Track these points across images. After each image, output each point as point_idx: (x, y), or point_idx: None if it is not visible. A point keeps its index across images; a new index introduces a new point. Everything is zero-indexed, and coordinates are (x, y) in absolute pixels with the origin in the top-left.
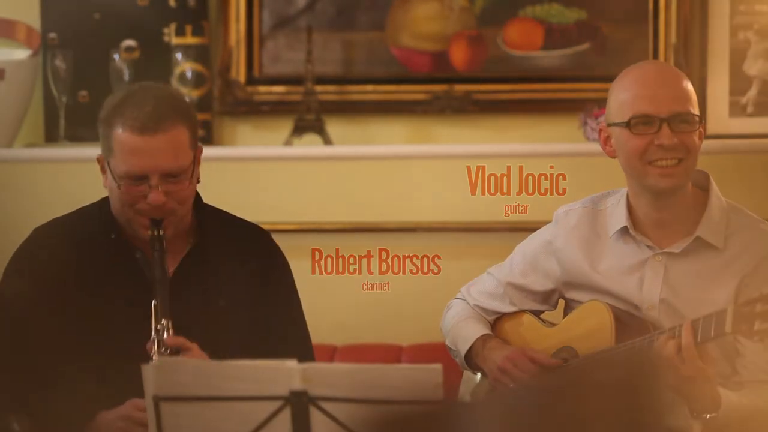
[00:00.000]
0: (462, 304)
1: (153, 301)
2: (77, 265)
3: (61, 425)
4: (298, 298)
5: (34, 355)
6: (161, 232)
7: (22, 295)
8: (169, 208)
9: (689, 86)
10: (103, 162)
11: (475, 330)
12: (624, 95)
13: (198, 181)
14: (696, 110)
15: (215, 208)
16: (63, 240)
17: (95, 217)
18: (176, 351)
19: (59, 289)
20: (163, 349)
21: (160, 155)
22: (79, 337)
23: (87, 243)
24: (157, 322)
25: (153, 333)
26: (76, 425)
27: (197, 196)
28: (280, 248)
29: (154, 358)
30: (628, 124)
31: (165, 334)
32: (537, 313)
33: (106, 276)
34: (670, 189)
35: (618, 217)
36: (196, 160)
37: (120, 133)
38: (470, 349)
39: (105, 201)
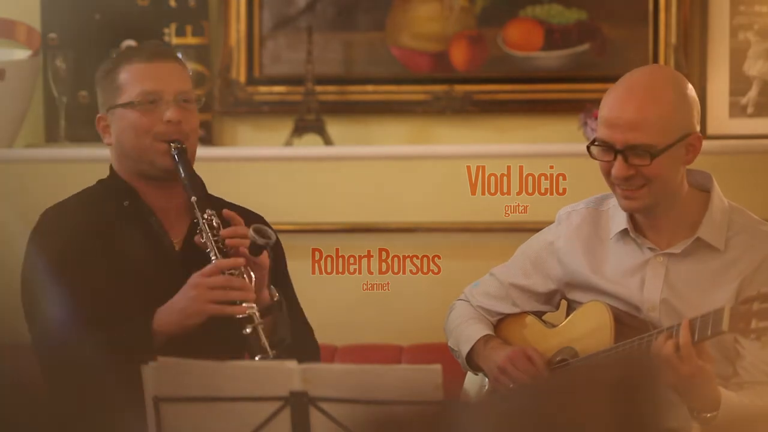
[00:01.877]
0: (465, 305)
1: (192, 198)
2: (94, 235)
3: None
4: (287, 272)
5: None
6: (184, 146)
7: (45, 273)
8: (185, 131)
9: (664, 108)
10: (104, 119)
11: (477, 331)
12: (600, 111)
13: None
14: (662, 139)
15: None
16: (77, 214)
17: (103, 189)
18: (228, 223)
19: (79, 261)
20: (214, 232)
21: (173, 77)
22: (98, 306)
23: (101, 213)
24: (202, 212)
25: (201, 224)
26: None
27: None
28: (272, 228)
29: (211, 245)
30: (594, 143)
31: (214, 221)
32: (539, 314)
33: (121, 242)
34: (636, 210)
35: (619, 219)
36: (198, 106)
37: (129, 68)
38: (472, 349)
39: (105, 178)
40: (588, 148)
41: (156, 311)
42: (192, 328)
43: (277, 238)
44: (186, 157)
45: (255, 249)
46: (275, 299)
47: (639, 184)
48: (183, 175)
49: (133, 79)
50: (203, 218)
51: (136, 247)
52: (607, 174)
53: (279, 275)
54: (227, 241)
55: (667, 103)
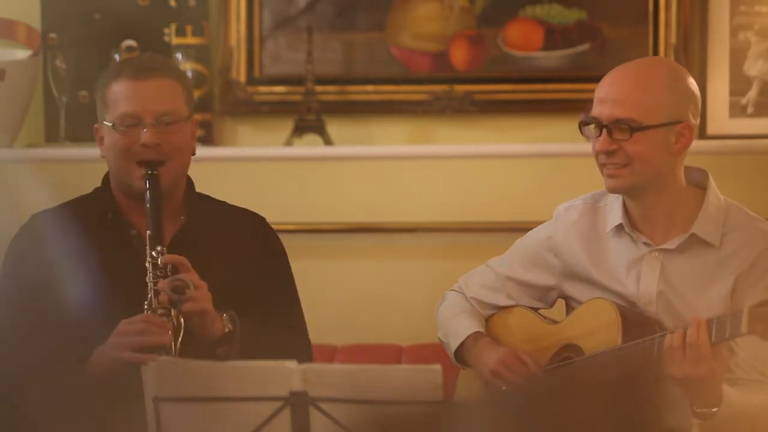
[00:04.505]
0: (457, 296)
1: (147, 232)
2: (75, 245)
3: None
4: (292, 276)
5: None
6: (156, 172)
7: (20, 279)
8: (164, 152)
9: (653, 89)
10: (99, 129)
11: (468, 326)
12: (595, 92)
13: (193, 153)
14: (645, 117)
15: (206, 195)
16: (61, 222)
17: (92, 198)
18: (174, 270)
19: (56, 270)
20: (158, 272)
21: (153, 98)
22: (76, 315)
23: (84, 223)
24: (152, 249)
25: (148, 259)
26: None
27: (190, 182)
28: (274, 230)
29: (149, 284)
30: (586, 123)
31: (160, 259)
32: (534, 310)
33: (102, 254)
34: (619, 190)
35: (614, 214)
36: (191, 123)
37: (114, 83)
38: (461, 344)
39: (100, 186)
40: (580, 126)
41: (94, 350)
42: (121, 372)
43: (276, 236)
44: (156, 185)
45: (172, 303)
46: (227, 330)
47: (621, 163)
48: (147, 204)
49: (116, 99)
50: (150, 256)
51: (115, 259)
52: (595, 154)
53: (277, 284)
54: (160, 297)
55: (657, 86)
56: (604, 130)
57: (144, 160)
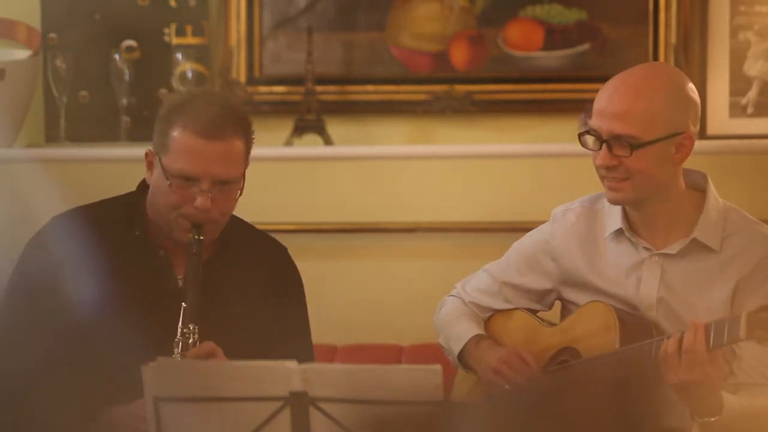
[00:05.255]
0: (456, 301)
1: (183, 304)
2: (98, 256)
3: (64, 418)
4: (306, 311)
5: (46, 342)
6: (201, 237)
7: (37, 283)
8: (213, 217)
9: (653, 103)
10: (152, 157)
11: (468, 329)
12: (594, 102)
13: (240, 194)
14: (646, 132)
15: (236, 217)
16: (84, 229)
17: (120, 209)
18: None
19: (75, 281)
20: (185, 351)
21: (217, 161)
22: (91, 329)
23: (108, 234)
24: (185, 326)
25: (179, 335)
26: (81, 419)
27: None
28: (295, 264)
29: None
30: (586, 132)
31: (191, 339)
32: (532, 312)
33: (125, 270)
34: (620, 203)
35: (614, 219)
36: (244, 175)
37: (180, 132)
38: (463, 348)
39: (133, 195)
40: (579, 136)
41: (114, 409)
42: None
43: (296, 269)
44: (199, 252)
45: None
46: None
47: (622, 177)
48: (188, 271)
49: (177, 150)
50: (182, 331)
51: (141, 279)
52: (597, 167)
53: (293, 303)
54: None
55: (657, 99)
56: (604, 145)
57: (193, 220)
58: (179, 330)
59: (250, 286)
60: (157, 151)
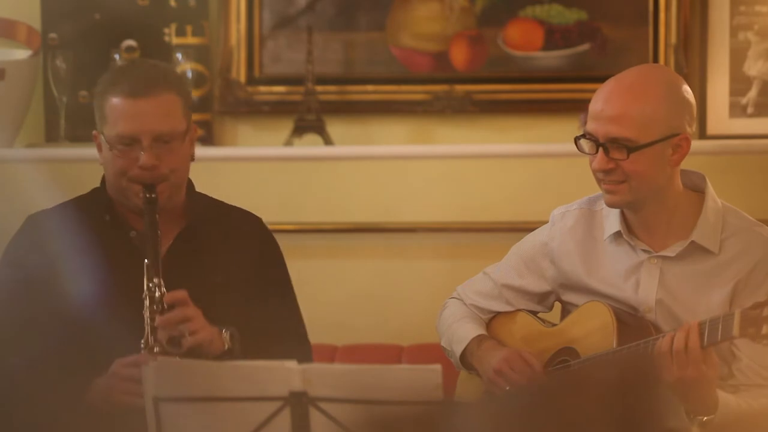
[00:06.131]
0: (457, 303)
1: (145, 261)
2: (74, 245)
3: (53, 404)
4: (288, 274)
5: (30, 336)
6: (153, 195)
7: (18, 282)
8: (161, 173)
9: (648, 105)
10: (98, 137)
11: (470, 330)
12: (590, 105)
13: (192, 159)
14: (642, 135)
15: (207, 195)
16: (58, 223)
17: (88, 201)
18: (171, 307)
19: (55, 270)
20: (155, 306)
21: (151, 117)
22: (77, 316)
23: (81, 226)
24: (149, 280)
25: (145, 290)
26: (70, 402)
27: (190, 183)
28: (270, 232)
29: (146, 316)
30: (582, 136)
31: (157, 292)
32: (533, 313)
33: (101, 257)
34: (618, 205)
35: (612, 221)
36: (190, 133)
37: (112, 99)
38: (465, 349)
39: (98, 188)
40: (576, 141)
41: (93, 382)
42: (118, 410)
43: (273, 237)
44: (153, 209)
45: (171, 344)
46: (227, 348)
47: (619, 179)
48: (146, 229)
49: (113, 117)
50: (147, 288)
51: (116, 260)
52: (593, 170)
53: (276, 287)
54: (158, 333)
55: (652, 101)
56: (601, 149)
57: (142, 181)
58: (145, 285)
59: (230, 254)
60: (99, 128)
